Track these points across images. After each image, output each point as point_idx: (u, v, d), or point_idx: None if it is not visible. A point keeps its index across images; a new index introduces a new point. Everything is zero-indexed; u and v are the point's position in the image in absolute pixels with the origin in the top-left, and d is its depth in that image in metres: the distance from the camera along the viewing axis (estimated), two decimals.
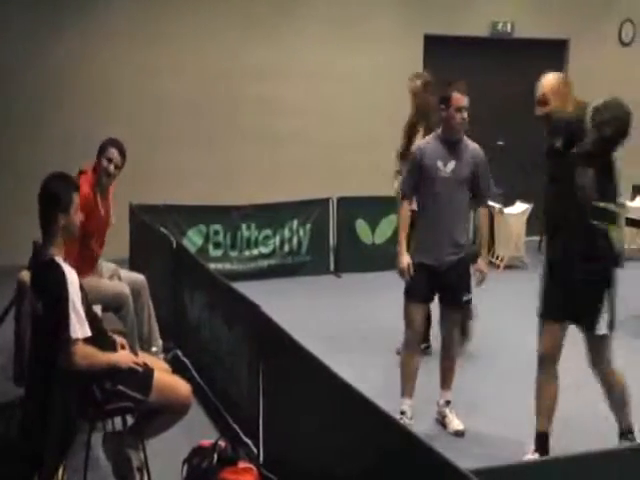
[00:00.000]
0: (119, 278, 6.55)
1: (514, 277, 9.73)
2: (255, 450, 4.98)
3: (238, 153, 11.12)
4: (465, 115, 5.56)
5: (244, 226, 9.97)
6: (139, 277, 6.69)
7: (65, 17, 10.23)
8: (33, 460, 4.24)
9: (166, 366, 4.92)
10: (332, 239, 10.38)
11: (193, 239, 9.71)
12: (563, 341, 5.05)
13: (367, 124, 11.41)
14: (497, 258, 10.54)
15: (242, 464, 4.46)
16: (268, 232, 10.08)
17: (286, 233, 10.15)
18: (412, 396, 5.68)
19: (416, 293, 5.63)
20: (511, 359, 6.85)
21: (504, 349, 7.22)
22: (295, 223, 10.17)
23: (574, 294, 4.90)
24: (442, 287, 5.66)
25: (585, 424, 5.72)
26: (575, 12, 12.63)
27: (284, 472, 4.58)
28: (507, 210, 10.60)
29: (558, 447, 5.00)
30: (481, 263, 5.79)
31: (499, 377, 6.65)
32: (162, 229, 7.66)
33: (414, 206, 5.82)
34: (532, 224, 10.37)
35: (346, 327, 7.99)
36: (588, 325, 4.90)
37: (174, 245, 7.04)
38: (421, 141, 5.91)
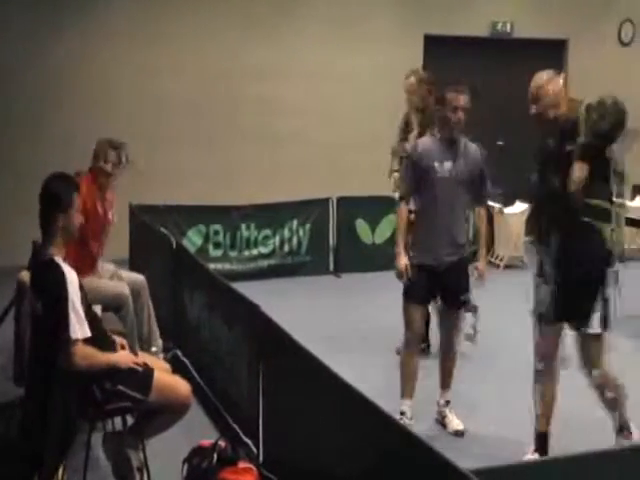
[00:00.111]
0: (119, 279, 6.55)
1: (514, 277, 9.72)
2: (255, 450, 4.98)
3: (238, 153, 11.12)
4: (461, 115, 5.54)
5: (244, 226, 9.97)
6: (139, 277, 6.69)
7: (65, 17, 10.23)
8: (33, 460, 4.24)
9: (166, 366, 4.92)
10: (332, 239, 10.38)
11: (193, 239, 9.71)
12: (558, 340, 5.04)
13: (367, 124, 11.40)
14: (497, 258, 10.54)
15: (242, 464, 4.46)
16: (268, 232, 10.07)
17: (286, 233, 10.15)
18: (412, 396, 5.68)
19: (415, 294, 5.63)
20: (511, 359, 6.85)
21: (504, 349, 7.22)
22: (295, 223, 10.17)
23: (566, 293, 4.88)
24: (442, 287, 5.65)
25: (585, 424, 5.71)
26: (575, 12, 12.63)
27: (284, 472, 4.58)
28: (507, 210, 10.60)
29: (558, 447, 5.00)
30: (480, 263, 5.79)
31: (499, 377, 6.65)
32: (162, 229, 7.66)
33: (411, 206, 5.81)
34: None
35: (346, 327, 7.98)
36: (579, 323, 4.88)
37: (174, 245, 7.05)
38: (417, 141, 5.89)
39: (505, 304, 8.06)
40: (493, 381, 6.59)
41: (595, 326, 4.84)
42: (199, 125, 10.93)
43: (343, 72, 11.40)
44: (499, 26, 12.46)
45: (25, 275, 5.89)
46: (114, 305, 6.21)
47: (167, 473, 4.66)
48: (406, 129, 7.23)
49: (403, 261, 5.62)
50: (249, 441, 5.08)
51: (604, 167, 4.78)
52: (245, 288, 5.55)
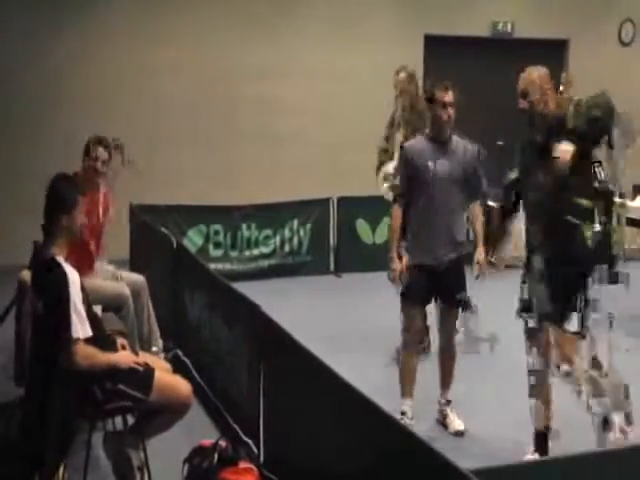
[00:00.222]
0: (118, 279, 6.54)
1: (514, 277, 9.71)
2: (255, 450, 4.98)
3: (238, 153, 11.12)
4: (451, 111, 5.54)
5: (244, 226, 9.98)
6: (139, 278, 6.69)
7: (65, 17, 10.23)
8: (33, 459, 4.25)
9: (167, 365, 4.93)
10: (332, 239, 10.38)
11: (193, 239, 9.71)
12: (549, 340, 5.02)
13: (367, 124, 11.35)
14: (498, 258, 10.52)
15: (242, 464, 4.47)
16: (268, 232, 10.08)
17: (286, 233, 10.16)
18: (412, 396, 5.69)
19: (414, 295, 5.63)
20: (511, 359, 6.84)
21: (504, 349, 7.21)
22: (295, 223, 10.18)
23: (548, 292, 4.88)
24: (440, 287, 5.65)
25: (585, 424, 5.71)
26: (575, 12, 12.63)
27: (285, 472, 4.58)
28: None
29: (558, 447, 5.00)
30: (479, 256, 5.76)
31: (499, 377, 6.64)
32: (162, 229, 7.66)
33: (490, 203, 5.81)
34: None
35: (346, 327, 7.98)
36: (556, 321, 4.86)
37: (174, 245, 7.05)
38: (410, 142, 5.86)
39: (505, 304, 8.05)
40: (493, 381, 6.59)
41: (573, 324, 4.81)
42: (199, 125, 10.94)
43: (343, 72, 11.40)
44: (500, 26, 12.47)
45: (26, 274, 5.89)
46: (114, 305, 6.21)
47: (168, 473, 4.66)
48: (391, 127, 7.19)
49: (398, 265, 5.63)
50: (250, 441, 5.08)
51: (589, 166, 4.79)
52: (246, 288, 5.55)
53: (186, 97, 10.83)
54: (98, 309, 5.55)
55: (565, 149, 4.69)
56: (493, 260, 10.91)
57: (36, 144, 10.01)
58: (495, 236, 5.68)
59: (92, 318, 4.39)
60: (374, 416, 3.54)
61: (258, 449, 4.98)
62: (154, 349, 6.53)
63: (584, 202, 4.78)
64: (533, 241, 5.02)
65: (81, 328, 4.19)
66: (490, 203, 6.87)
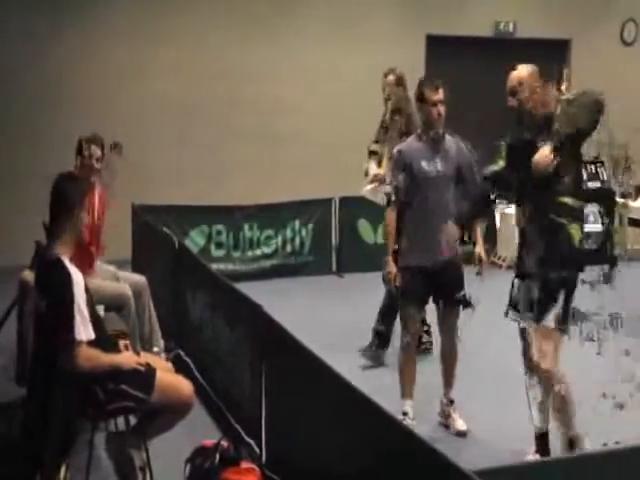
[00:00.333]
0: (118, 280, 6.54)
1: None
2: (257, 450, 4.98)
3: (239, 153, 11.12)
4: (441, 109, 5.54)
5: (246, 226, 9.98)
6: (140, 278, 6.69)
7: (65, 17, 10.24)
8: (35, 460, 4.25)
9: (169, 366, 4.92)
10: (334, 239, 10.38)
11: (195, 239, 9.71)
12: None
13: (368, 124, 11.33)
14: (499, 258, 10.53)
15: (244, 464, 4.47)
16: (270, 232, 10.08)
17: (288, 233, 10.16)
18: (412, 397, 5.68)
19: (412, 296, 5.63)
20: (512, 359, 6.84)
21: (506, 349, 7.21)
22: (297, 223, 10.18)
23: (532, 292, 4.88)
24: (438, 287, 5.64)
25: (585, 424, 5.71)
26: (577, 12, 12.63)
27: (287, 472, 4.58)
28: (508, 210, 10.59)
29: (559, 447, 4.99)
30: (479, 252, 5.75)
31: (500, 377, 6.64)
32: (164, 229, 7.66)
33: None
34: None
35: (348, 327, 7.98)
36: (536, 316, 4.85)
37: (176, 245, 7.05)
38: (403, 144, 5.83)
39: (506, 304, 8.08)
40: (494, 381, 6.58)
41: (550, 320, 4.80)
42: (200, 125, 10.93)
43: (344, 72, 11.41)
44: (502, 26, 12.46)
45: (28, 275, 5.90)
46: (116, 305, 6.21)
47: (170, 473, 4.66)
48: (384, 128, 7.16)
49: (393, 268, 5.63)
50: (252, 441, 5.08)
51: (576, 165, 4.79)
52: (248, 288, 5.55)
53: (186, 97, 10.84)
54: (100, 309, 5.55)
55: (543, 154, 4.67)
56: (496, 260, 10.95)
57: (36, 144, 10.01)
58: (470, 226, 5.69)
59: (95, 319, 4.39)
60: (376, 416, 3.54)
61: (260, 449, 4.98)
62: (155, 349, 6.52)
63: (569, 201, 4.76)
64: (522, 240, 5.01)
65: (84, 330, 4.18)
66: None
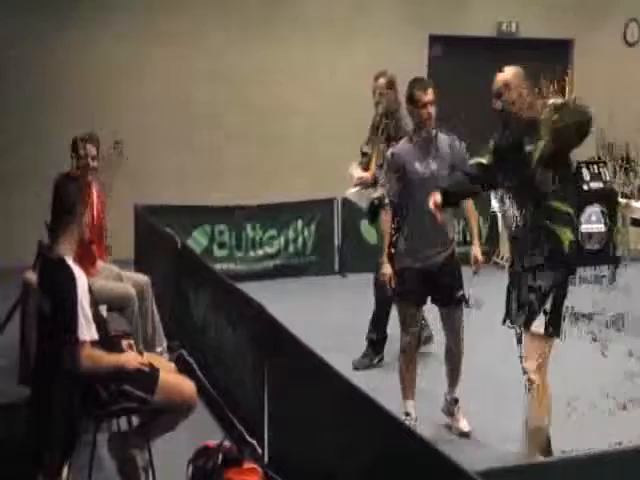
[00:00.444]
0: (122, 280, 6.55)
1: None
2: (260, 450, 4.98)
3: (239, 153, 11.10)
4: (431, 110, 5.55)
5: (249, 226, 9.98)
6: (143, 278, 6.69)
7: (65, 17, 10.23)
8: (38, 459, 4.25)
9: (172, 366, 4.93)
10: (337, 239, 10.38)
11: (198, 239, 9.72)
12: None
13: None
14: (502, 258, 10.52)
15: (247, 464, 4.47)
16: (273, 232, 10.08)
17: (291, 233, 10.16)
18: (414, 398, 5.69)
19: (410, 297, 5.63)
20: (514, 359, 6.84)
21: (507, 349, 7.21)
22: (300, 223, 10.18)
23: (518, 293, 4.86)
24: (437, 287, 5.64)
25: (587, 424, 5.72)
26: (580, 12, 12.62)
27: (289, 473, 4.58)
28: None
29: (560, 447, 5.00)
30: (476, 252, 5.75)
31: (502, 377, 6.64)
32: (167, 229, 7.67)
33: None
34: None
35: (351, 327, 7.97)
36: (524, 322, 4.81)
37: (179, 245, 7.05)
38: (397, 147, 5.82)
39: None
40: (496, 381, 6.58)
41: (539, 326, 4.76)
42: (200, 125, 10.92)
43: (346, 72, 11.40)
44: (504, 26, 12.45)
45: (30, 275, 5.90)
46: (119, 305, 6.21)
47: (172, 473, 4.67)
48: (375, 131, 7.15)
49: (388, 270, 5.65)
50: (254, 441, 5.09)
51: (567, 170, 4.75)
52: (250, 288, 5.55)
53: (187, 97, 10.82)
54: (103, 309, 5.56)
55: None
56: (498, 260, 10.94)
57: (37, 144, 10.00)
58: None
59: (98, 320, 4.40)
60: (378, 417, 3.55)
61: (262, 449, 4.99)
62: (158, 349, 6.53)
63: (559, 206, 4.71)
64: (512, 246, 4.99)
65: (87, 330, 4.19)
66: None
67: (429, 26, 11.94)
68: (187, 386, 4.58)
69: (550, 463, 3.20)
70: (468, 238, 6.53)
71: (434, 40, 12.02)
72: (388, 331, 7.03)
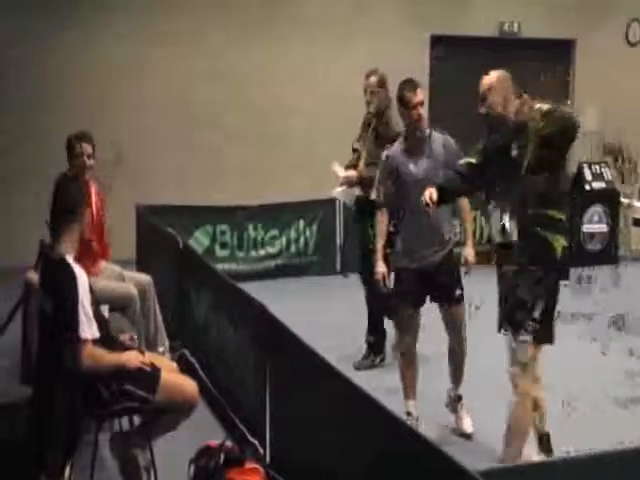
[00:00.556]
0: (124, 280, 6.55)
1: None
2: (261, 450, 4.99)
3: (240, 153, 11.11)
4: (421, 110, 5.56)
5: (251, 226, 9.99)
6: (145, 278, 6.69)
7: (65, 17, 10.24)
8: (40, 459, 4.26)
9: (174, 365, 4.93)
10: (339, 239, 10.39)
11: (200, 239, 9.73)
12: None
13: None
14: None
15: (249, 464, 4.47)
16: (275, 232, 10.09)
17: (292, 233, 10.17)
18: (415, 398, 5.69)
19: (408, 298, 5.63)
20: None
21: (505, 349, 7.21)
22: (302, 223, 10.19)
23: (506, 301, 4.82)
24: (435, 287, 5.63)
25: (589, 424, 5.72)
26: (582, 12, 12.62)
27: (290, 472, 4.58)
28: None
29: (560, 447, 5.00)
30: (468, 253, 5.75)
31: (502, 377, 6.63)
32: (169, 229, 7.67)
33: None
34: None
35: (353, 327, 7.97)
36: (514, 329, 4.74)
37: (181, 245, 7.06)
38: (391, 149, 5.83)
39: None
40: (496, 380, 6.57)
41: (526, 334, 4.69)
42: (200, 125, 10.93)
43: (347, 72, 11.38)
44: (506, 26, 12.46)
45: (32, 275, 5.91)
46: (121, 305, 6.21)
47: (174, 473, 4.67)
48: (366, 129, 7.14)
49: (381, 269, 5.66)
50: (256, 441, 5.09)
51: (558, 176, 4.69)
52: (252, 288, 5.56)
53: (187, 97, 10.84)
54: (105, 309, 5.56)
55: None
56: None
57: (38, 144, 10.00)
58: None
59: (99, 320, 4.41)
60: (380, 417, 3.55)
61: (264, 449, 4.99)
62: (160, 349, 6.53)
63: (552, 213, 4.66)
64: (499, 250, 4.92)
65: (88, 329, 4.20)
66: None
67: (431, 26, 11.95)
68: (189, 385, 4.59)
69: (550, 463, 3.20)
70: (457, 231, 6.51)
71: (436, 40, 12.02)
72: (387, 330, 7.02)
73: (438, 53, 12.17)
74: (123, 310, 6.23)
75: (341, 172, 7.14)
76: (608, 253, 10.81)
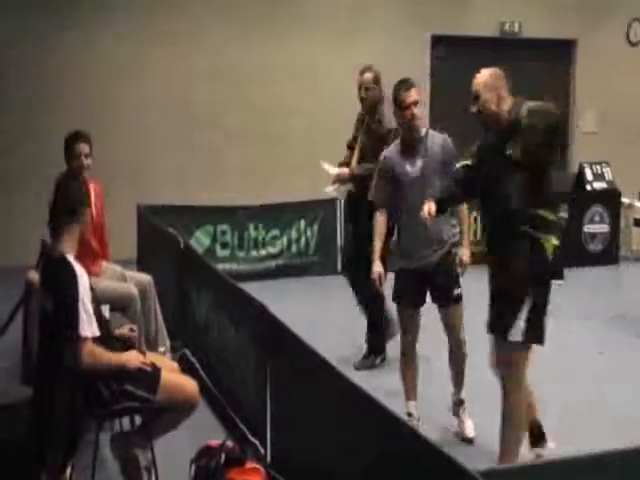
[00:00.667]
0: (125, 280, 6.55)
1: None
2: (262, 450, 4.99)
3: (241, 153, 11.12)
4: (414, 110, 5.55)
5: (251, 226, 10.00)
6: (146, 278, 6.69)
7: (65, 17, 10.25)
8: (41, 459, 4.26)
9: (175, 365, 4.94)
10: (339, 239, 10.38)
11: (201, 239, 9.73)
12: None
13: None
14: None
15: (249, 464, 4.47)
16: (275, 232, 10.10)
17: (293, 233, 10.18)
18: (416, 398, 5.68)
19: (407, 299, 5.63)
20: None
21: None
22: (302, 223, 10.20)
23: (496, 301, 4.80)
24: (433, 286, 5.63)
25: (590, 424, 5.72)
26: (583, 12, 12.62)
27: (291, 472, 4.58)
28: None
29: (562, 448, 4.99)
30: (463, 253, 5.74)
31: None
32: (170, 229, 7.68)
33: None
34: None
35: (354, 327, 7.97)
36: (501, 330, 4.72)
37: (182, 245, 7.06)
38: (387, 150, 5.82)
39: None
40: (496, 382, 6.58)
41: (516, 334, 4.65)
42: (203, 126, 10.94)
43: (347, 72, 11.37)
44: (507, 26, 12.46)
45: (33, 275, 5.91)
46: (122, 305, 6.21)
47: (175, 473, 4.67)
48: (359, 126, 7.13)
49: (377, 269, 5.66)
50: (256, 441, 5.09)
51: (550, 176, 4.64)
52: (253, 288, 5.55)
53: (187, 97, 10.85)
54: (106, 309, 5.56)
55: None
56: None
57: (38, 144, 10.02)
58: None
59: (99, 319, 4.41)
60: (381, 417, 3.55)
61: (265, 449, 4.99)
62: (161, 349, 6.53)
63: (543, 213, 4.61)
64: (490, 251, 4.91)
65: (89, 326, 4.20)
66: None
67: (431, 26, 11.95)
68: (189, 385, 4.59)
69: (551, 463, 3.20)
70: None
71: (436, 40, 12.02)
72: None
73: (439, 53, 12.18)
74: (124, 310, 6.23)
75: (332, 170, 7.13)
76: (609, 253, 10.82)
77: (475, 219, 8.72)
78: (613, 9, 12.89)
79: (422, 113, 5.74)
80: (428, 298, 5.73)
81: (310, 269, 10.18)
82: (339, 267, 10.33)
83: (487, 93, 4.71)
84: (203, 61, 10.91)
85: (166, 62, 10.73)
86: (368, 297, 6.90)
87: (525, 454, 4.91)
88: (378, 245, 5.74)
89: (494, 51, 12.26)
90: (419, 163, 5.58)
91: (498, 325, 4.77)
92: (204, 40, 10.90)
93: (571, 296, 9.13)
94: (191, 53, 10.85)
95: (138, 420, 4.76)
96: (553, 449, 4.97)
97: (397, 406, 4.88)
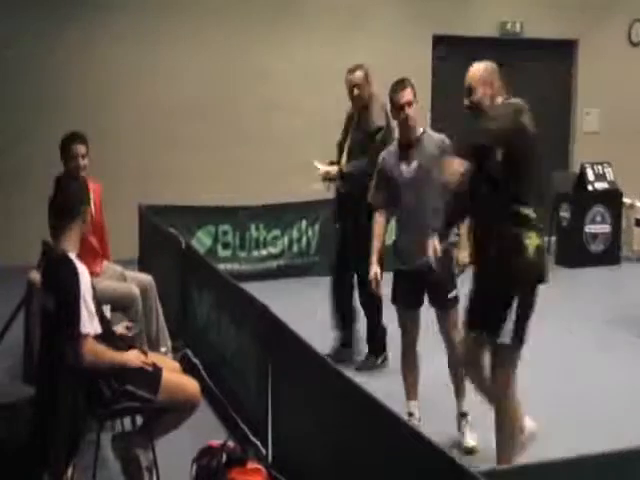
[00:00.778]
0: (125, 280, 6.55)
1: None
2: (263, 450, 4.99)
3: (242, 153, 11.11)
4: (408, 111, 5.55)
5: (253, 226, 10.00)
6: (147, 278, 6.70)
7: (65, 17, 10.25)
8: (43, 459, 4.27)
9: (176, 365, 4.94)
10: None
11: (202, 239, 9.73)
12: (480, 350, 4.90)
13: None
14: None
15: (250, 464, 4.48)
16: (277, 232, 10.09)
17: (295, 233, 10.17)
18: (417, 398, 5.67)
19: (405, 299, 5.63)
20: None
21: None
22: (304, 223, 10.19)
23: (480, 301, 4.78)
24: (429, 288, 5.60)
25: (591, 424, 5.73)
26: (584, 12, 12.61)
27: (292, 472, 4.59)
28: None
29: (563, 448, 4.99)
30: (460, 254, 5.71)
31: None
32: (171, 230, 7.68)
33: None
34: None
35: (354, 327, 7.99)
36: (491, 331, 4.68)
37: (183, 245, 7.07)
38: (385, 151, 5.83)
39: None
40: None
41: (505, 336, 4.61)
42: (204, 126, 10.93)
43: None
44: (508, 26, 12.45)
45: (35, 275, 5.92)
46: (123, 305, 6.21)
47: (176, 473, 4.67)
48: (349, 124, 7.13)
49: (374, 270, 5.66)
50: (258, 441, 5.10)
51: (531, 173, 4.60)
52: (254, 288, 5.56)
53: (190, 98, 10.84)
54: (107, 309, 5.57)
55: (458, 162, 4.49)
56: None
57: (37, 144, 10.01)
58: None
59: (101, 318, 4.42)
60: (382, 417, 3.55)
61: (266, 449, 4.99)
62: (163, 349, 6.54)
63: (525, 211, 4.57)
64: (475, 250, 4.90)
65: (90, 324, 4.21)
66: None
67: (432, 26, 11.94)
68: (190, 385, 4.60)
69: (551, 463, 3.20)
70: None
71: (437, 40, 12.02)
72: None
73: (440, 53, 12.17)
74: (125, 310, 6.23)
75: (322, 167, 7.12)
76: (610, 254, 10.82)
77: None
78: (614, 9, 12.88)
79: (418, 113, 5.71)
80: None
81: (311, 269, 10.17)
82: None
83: (483, 87, 4.70)
84: (203, 61, 10.91)
85: (166, 62, 10.72)
86: (365, 297, 6.90)
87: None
88: (377, 246, 5.73)
89: (495, 51, 12.19)
90: (414, 164, 5.57)
91: (485, 326, 4.74)
92: (204, 40, 10.89)
93: (572, 296, 9.17)
94: (191, 53, 10.85)
95: (139, 420, 4.77)
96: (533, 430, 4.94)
97: (398, 406, 4.88)
